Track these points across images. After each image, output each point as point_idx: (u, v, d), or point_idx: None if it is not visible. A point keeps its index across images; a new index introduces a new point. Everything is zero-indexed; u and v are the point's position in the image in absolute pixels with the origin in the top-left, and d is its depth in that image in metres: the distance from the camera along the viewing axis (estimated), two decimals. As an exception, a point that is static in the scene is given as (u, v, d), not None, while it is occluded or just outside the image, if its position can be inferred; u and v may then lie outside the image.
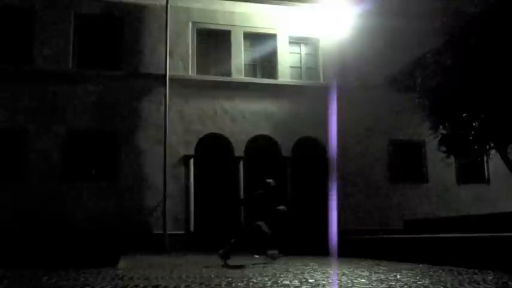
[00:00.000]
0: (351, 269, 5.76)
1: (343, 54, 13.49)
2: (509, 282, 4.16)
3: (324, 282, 4.48)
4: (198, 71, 13.10)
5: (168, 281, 4.56)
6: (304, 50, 14.12)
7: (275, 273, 5.32)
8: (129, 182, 12.03)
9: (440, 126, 9.87)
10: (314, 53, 14.10)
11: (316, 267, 6.23)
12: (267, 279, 4.71)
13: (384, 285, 4.11)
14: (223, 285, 4.19)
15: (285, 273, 5.39)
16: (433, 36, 9.60)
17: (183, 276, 5.12)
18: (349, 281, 4.47)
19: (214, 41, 13.51)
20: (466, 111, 9.32)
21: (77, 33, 12.58)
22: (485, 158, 12.49)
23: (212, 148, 12.77)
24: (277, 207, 8.09)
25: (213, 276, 5.08)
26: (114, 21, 12.85)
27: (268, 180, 8.18)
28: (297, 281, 4.48)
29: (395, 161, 13.91)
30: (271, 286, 4.15)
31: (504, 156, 9.56)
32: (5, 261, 6.37)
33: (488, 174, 14.33)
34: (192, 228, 12.14)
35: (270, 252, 7.71)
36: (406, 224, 11.08)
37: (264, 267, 6.51)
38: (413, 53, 11.08)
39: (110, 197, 11.85)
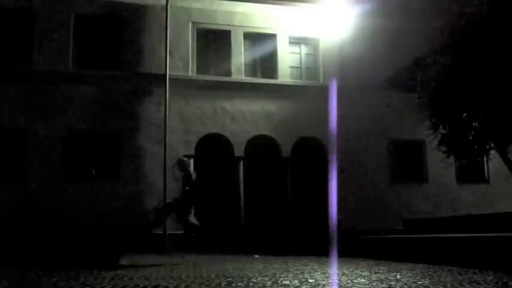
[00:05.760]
0: (351, 269, 5.76)
1: (343, 54, 13.50)
2: (509, 282, 4.16)
3: (324, 282, 4.48)
4: (198, 71, 13.10)
5: (168, 281, 4.56)
6: (304, 50, 14.12)
7: (275, 273, 5.32)
8: (129, 182, 12.04)
9: (440, 126, 9.86)
10: (314, 53, 14.10)
11: (316, 267, 6.22)
12: (267, 279, 4.71)
13: (383, 285, 4.11)
14: (223, 285, 4.19)
15: (285, 273, 5.38)
16: (433, 36, 9.60)
17: (183, 276, 5.12)
18: (349, 281, 4.47)
19: (214, 41, 13.51)
20: (466, 111, 9.31)
21: (77, 33, 12.58)
22: (485, 158, 12.47)
23: (212, 148, 12.77)
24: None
25: (213, 276, 5.08)
26: (114, 21, 12.85)
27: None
28: (297, 281, 4.48)
29: (395, 161, 13.91)
30: (271, 286, 4.15)
31: (504, 157, 9.56)
32: (5, 261, 6.37)
33: (488, 174, 14.33)
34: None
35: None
36: (406, 224, 11.07)
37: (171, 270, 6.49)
38: (413, 53, 11.08)
39: (110, 197, 11.85)
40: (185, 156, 12.38)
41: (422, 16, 11.00)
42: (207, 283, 4.38)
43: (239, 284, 4.26)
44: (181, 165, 8.62)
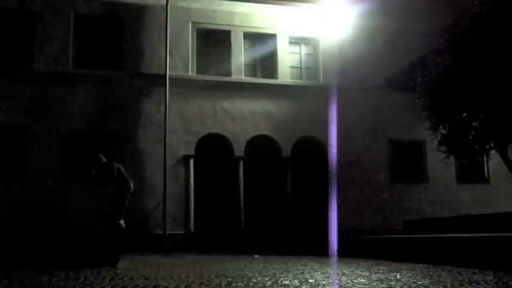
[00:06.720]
0: (351, 269, 5.76)
1: (343, 54, 13.50)
2: (509, 282, 4.16)
3: (324, 282, 4.48)
4: (198, 71, 13.10)
5: (168, 281, 4.56)
6: (304, 50, 14.12)
7: (275, 273, 5.32)
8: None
9: (440, 126, 9.85)
10: (314, 53, 14.10)
11: (316, 267, 6.22)
12: (267, 279, 4.71)
13: (383, 285, 4.11)
14: (223, 285, 4.19)
15: (285, 273, 5.38)
16: (433, 36, 9.59)
17: (183, 276, 5.12)
18: (349, 281, 4.47)
19: (214, 41, 13.51)
20: (466, 111, 9.30)
21: (77, 34, 12.58)
22: (485, 158, 12.47)
23: (212, 148, 12.77)
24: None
25: (213, 276, 5.08)
26: (114, 21, 12.85)
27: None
28: (297, 281, 4.48)
29: (395, 161, 13.91)
30: (271, 286, 4.15)
31: (504, 157, 9.55)
32: (5, 261, 6.37)
33: (488, 174, 14.33)
34: (192, 228, 12.15)
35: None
36: (406, 224, 11.07)
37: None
38: (413, 53, 11.07)
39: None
40: (185, 156, 12.41)
41: (422, 16, 11.00)
42: (207, 283, 4.38)
43: (239, 284, 4.26)
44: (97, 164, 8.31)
